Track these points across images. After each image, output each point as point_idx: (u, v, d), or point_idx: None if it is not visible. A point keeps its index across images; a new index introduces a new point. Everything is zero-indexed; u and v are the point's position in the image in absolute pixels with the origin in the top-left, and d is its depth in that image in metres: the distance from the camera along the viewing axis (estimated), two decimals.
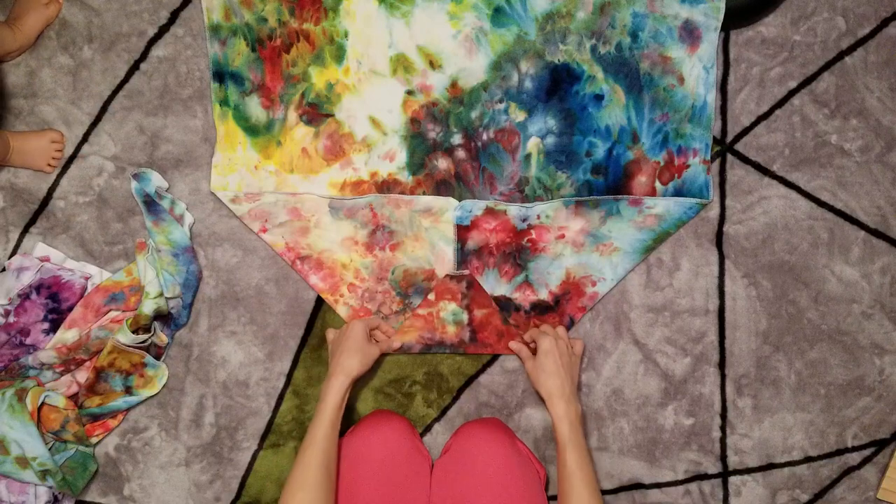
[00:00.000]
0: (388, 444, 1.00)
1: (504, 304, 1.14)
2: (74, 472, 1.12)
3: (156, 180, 1.13)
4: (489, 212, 1.11)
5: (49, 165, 1.13)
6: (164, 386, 1.15)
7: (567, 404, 1.01)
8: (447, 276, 1.12)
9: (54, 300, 1.12)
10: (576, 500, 0.94)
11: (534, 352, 1.09)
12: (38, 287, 1.11)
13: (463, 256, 1.13)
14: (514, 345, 1.12)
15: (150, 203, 1.12)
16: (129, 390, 1.14)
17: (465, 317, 1.13)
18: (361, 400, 1.16)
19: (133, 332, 1.07)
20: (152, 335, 1.11)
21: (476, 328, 1.14)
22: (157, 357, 1.14)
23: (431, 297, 1.13)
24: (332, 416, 0.98)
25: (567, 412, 1.01)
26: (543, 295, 1.14)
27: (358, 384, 1.16)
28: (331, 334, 1.11)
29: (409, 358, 1.16)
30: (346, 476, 0.98)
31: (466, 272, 1.12)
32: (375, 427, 1.03)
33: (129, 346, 1.08)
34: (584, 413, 1.06)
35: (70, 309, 1.12)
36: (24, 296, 1.11)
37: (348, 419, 1.12)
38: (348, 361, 1.03)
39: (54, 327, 1.12)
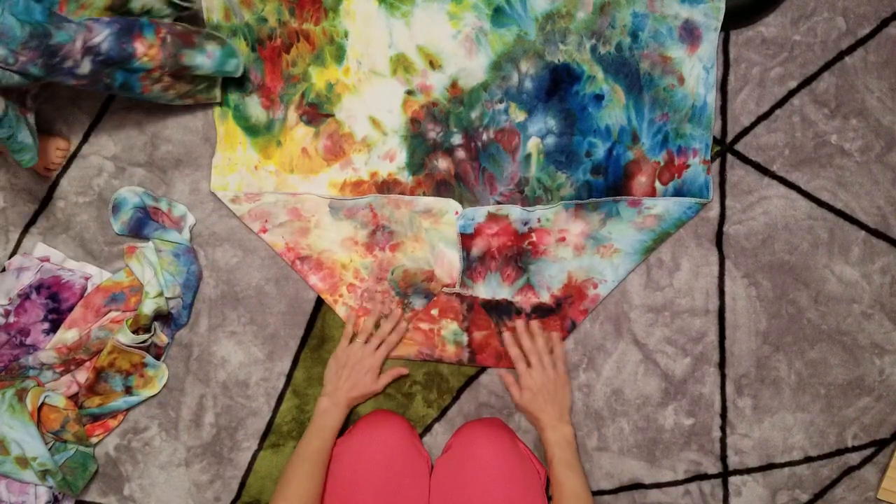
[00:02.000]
0: (387, 445, 1.01)
1: (505, 308, 1.14)
2: (74, 472, 1.12)
3: (132, 196, 1.13)
4: (491, 217, 1.11)
5: (47, 170, 1.13)
6: (164, 386, 1.15)
7: (553, 431, 1.05)
8: (451, 293, 1.12)
9: (54, 300, 1.12)
10: None
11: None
12: (38, 287, 1.11)
13: (469, 264, 1.13)
14: (510, 385, 1.12)
15: (139, 226, 1.12)
16: (129, 390, 1.14)
17: (464, 338, 1.14)
18: None
19: (133, 333, 1.07)
20: (152, 335, 1.11)
21: (475, 349, 1.14)
22: (157, 357, 1.14)
23: (435, 312, 1.13)
24: (328, 438, 1.04)
25: (554, 438, 1.05)
26: (545, 297, 1.14)
27: None
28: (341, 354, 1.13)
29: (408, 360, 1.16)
30: (345, 476, 0.98)
31: (469, 293, 1.12)
32: (374, 427, 1.03)
33: (129, 346, 1.08)
34: (573, 433, 1.08)
35: (70, 309, 1.12)
36: (24, 296, 1.11)
37: (347, 419, 1.12)
38: (354, 393, 1.10)
39: (54, 327, 1.12)
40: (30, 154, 0.97)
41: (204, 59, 1.00)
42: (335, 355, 1.13)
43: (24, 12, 0.84)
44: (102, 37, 0.90)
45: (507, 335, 1.12)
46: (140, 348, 1.10)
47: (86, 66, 0.91)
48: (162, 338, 1.13)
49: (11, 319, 1.11)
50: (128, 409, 1.16)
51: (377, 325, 1.14)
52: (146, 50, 0.94)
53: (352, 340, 1.13)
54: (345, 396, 1.09)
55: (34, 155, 0.98)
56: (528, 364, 1.10)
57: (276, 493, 0.97)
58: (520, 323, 1.12)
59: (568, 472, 1.01)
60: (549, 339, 1.13)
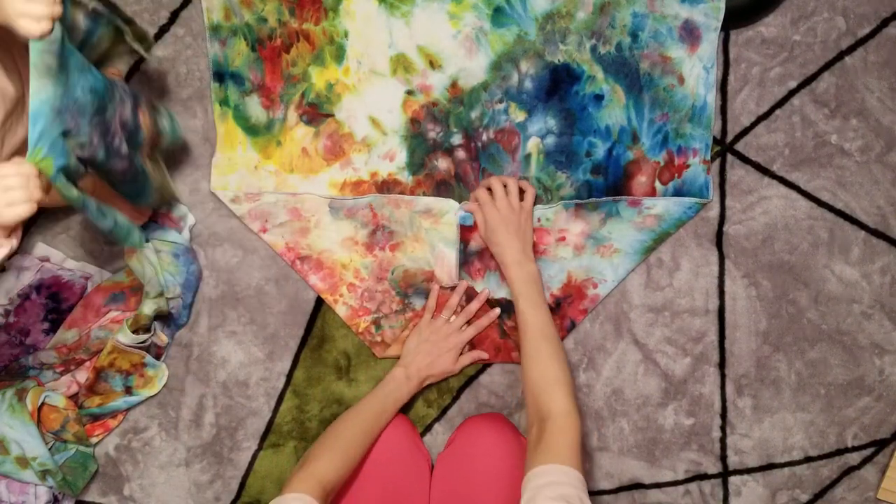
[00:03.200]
0: (387, 443, 1.01)
1: (504, 307, 1.14)
2: (74, 472, 1.12)
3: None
4: None
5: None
6: (164, 386, 1.16)
7: (518, 268, 1.02)
8: (448, 288, 1.12)
9: (54, 300, 1.12)
10: (534, 344, 0.96)
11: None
12: (38, 287, 1.11)
13: (466, 257, 1.13)
14: (471, 205, 1.08)
15: (140, 228, 1.11)
16: (129, 390, 1.14)
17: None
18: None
19: (133, 333, 1.07)
20: (152, 335, 1.11)
21: (474, 342, 1.14)
22: (157, 357, 1.14)
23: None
24: (390, 408, 1.03)
25: (518, 275, 1.02)
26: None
27: (357, 384, 1.17)
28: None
29: None
30: None
31: (465, 283, 1.12)
32: None
33: (129, 347, 1.08)
34: (538, 271, 1.05)
35: (70, 309, 1.12)
36: (24, 296, 1.11)
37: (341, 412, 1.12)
38: (431, 371, 1.09)
39: (54, 327, 1.12)
40: (135, 235, 0.87)
41: (164, 121, 0.95)
42: (419, 328, 1.11)
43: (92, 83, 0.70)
44: (128, 107, 0.80)
45: (482, 183, 1.10)
46: (140, 348, 1.10)
47: (122, 145, 0.79)
48: (162, 338, 1.13)
49: (11, 319, 1.11)
50: (128, 409, 1.16)
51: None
52: (144, 118, 0.85)
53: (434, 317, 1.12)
54: (420, 372, 1.07)
55: (138, 235, 0.87)
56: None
57: (322, 444, 0.94)
58: (494, 177, 1.09)
59: (533, 309, 0.99)
60: (518, 183, 1.08)
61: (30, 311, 1.11)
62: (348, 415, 1.00)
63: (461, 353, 1.12)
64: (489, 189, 1.07)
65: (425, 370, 1.08)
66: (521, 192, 1.08)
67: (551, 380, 0.92)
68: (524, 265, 1.03)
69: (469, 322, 1.12)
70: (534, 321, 0.98)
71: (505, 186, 1.06)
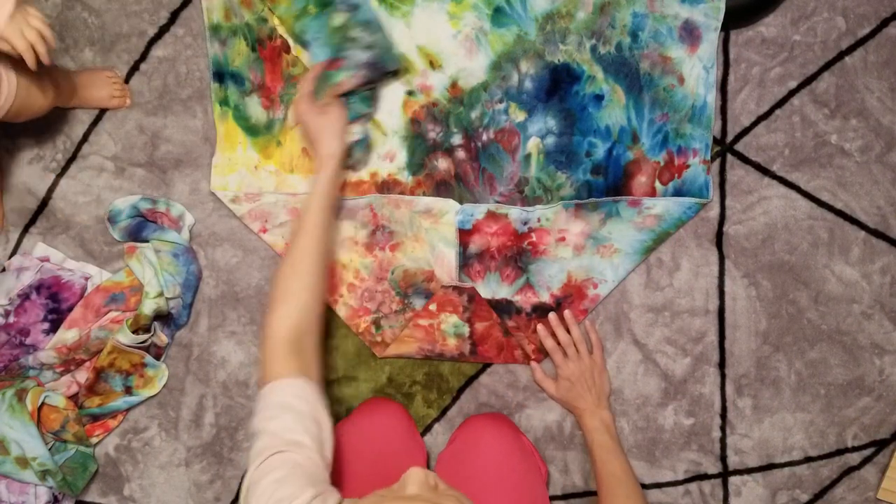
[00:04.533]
0: (384, 430, 1.01)
1: (505, 307, 1.14)
2: (74, 472, 1.12)
3: (125, 204, 1.13)
4: (490, 215, 1.11)
5: (114, 98, 1.11)
6: (164, 386, 1.15)
7: (592, 416, 1.06)
8: (449, 287, 1.12)
9: (54, 300, 1.12)
10: (606, 496, 0.98)
11: (545, 353, 1.11)
12: (38, 287, 1.11)
13: (465, 260, 1.13)
14: (541, 381, 1.13)
15: (138, 229, 1.12)
16: (128, 390, 1.14)
17: (466, 329, 1.14)
18: (361, 400, 1.16)
19: (133, 333, 1.07)
20: (152, 335, 1.11)
21: (477, 341, 1.14)
22: (157, 357, 1.14)
23: (433, 307, 1.13)
24: (327, 202, 0.97)
25: (592, 424, 1.06)
26: (545, 297, 1.14)
27: (357, 384, 1.17)
28: (302, 106, 1.02)
29: (409, 359, 1.16)
30: (340, 464, 0.98)
31: (468, 284, 1.12)
32: (372, 413, 1.03)
33: (129, 347, 1.08)
34: (612, 417, 1.09)
35: (70, 309, 1.12)
36: (24, 296, 1.11)
37: (341, 412, 1.12)
38: (335, 144, 1.00)
39: (54, 327, 1.12)
40: None
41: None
42: (303, 110, 1.02)
43: None
44: None
45: (540, 327, 1.12)
46: (140, 348, 1.10)
47: None
48: (162, 338, 1.13)
49: (11, 319, 1.11)
50: (128, 410, 1.16)
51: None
52: None
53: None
54: (329, 149, 1.00)
55: None
56: (565, 354, 1.10)
57: (286, 289, 0.90)
58: (552, 315, 1.12)
59: (609, 456, 1.02)
60: (584, 328, 1.13)
61: (30, 312, 1.11)
62: (302, 230, 0.94)
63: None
64: (555, 338, 1.11)
65: (343, 149, 1.02)
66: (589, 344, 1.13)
67: None
68: (597, 414, 1.08)
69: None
70: (611, 469, 1.01)
71: (571, 337, 1.11)
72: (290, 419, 0.78)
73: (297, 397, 0.81)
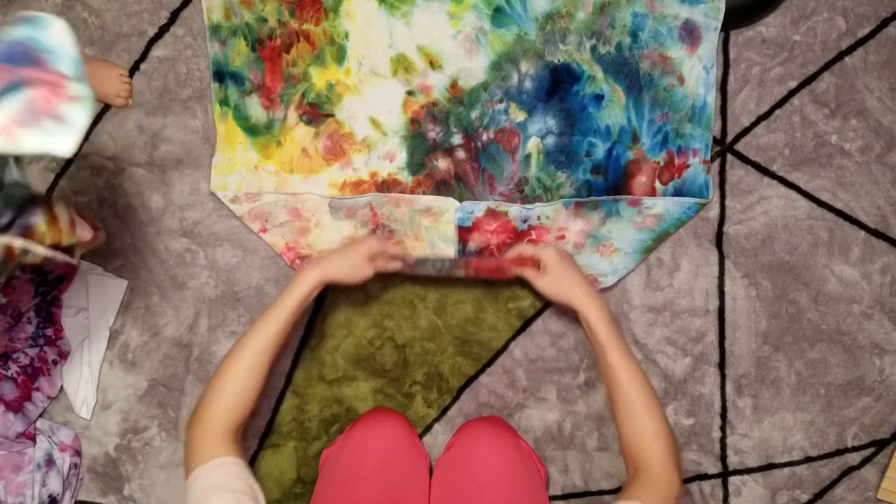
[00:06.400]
0: (386, 443, 1.00)
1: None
2: None
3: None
4: (490, 213, 1.11)
5: (119, 98, 1.05)
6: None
7: (599, 307, 0.99)
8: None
9: (40, 273, 1.12)
10: (627, 396, 0.93)
11: (536, 266, 1.05)
12: (22, 266, 1.11)
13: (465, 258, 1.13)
14: (517, 269, 1.06)
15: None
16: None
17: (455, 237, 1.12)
18: (361, 399, 1.16)
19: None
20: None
21: (471, 252, 1.13)
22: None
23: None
24: (288, 308, 0.93)
25: (600, 315, 0.99)
26: None
27: (357, 384, 1.17)
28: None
29: (409, 358, 1.16)
30: (343, 475, 0.98)
31: (461, 273, 1.11)
32: (373, 426, 1.03)
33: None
34: (609, 304, 1.04)
35: (58, 280, 1.12)
36: (9, 276, 1.11)
37: (345, 418, 1.12)
38: (334, 264, 0.98)
39: (46, 302, 1.12)
40: None
41: None
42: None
43: None
44: None
45: (507, 255, 1.08)
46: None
47: None
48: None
49: (2, 301, 1.11)
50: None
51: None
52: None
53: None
54: (329, 268, 0.98)
55: None
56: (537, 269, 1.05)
57: (217, 389, 0.90)
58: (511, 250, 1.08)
59: (623, 358, 0.95)
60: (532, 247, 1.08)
61: (19, 290, 1.11)
62: (248, 336, 0.92)
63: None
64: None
65: (335, 266, 0.99)
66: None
67: (649, 435, 0.91)
68: (604, 304, 1.00)
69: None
70: (627, 373, 0.95)
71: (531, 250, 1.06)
72: (226, 499, 0.76)
73: (232, 475, 0.80)
